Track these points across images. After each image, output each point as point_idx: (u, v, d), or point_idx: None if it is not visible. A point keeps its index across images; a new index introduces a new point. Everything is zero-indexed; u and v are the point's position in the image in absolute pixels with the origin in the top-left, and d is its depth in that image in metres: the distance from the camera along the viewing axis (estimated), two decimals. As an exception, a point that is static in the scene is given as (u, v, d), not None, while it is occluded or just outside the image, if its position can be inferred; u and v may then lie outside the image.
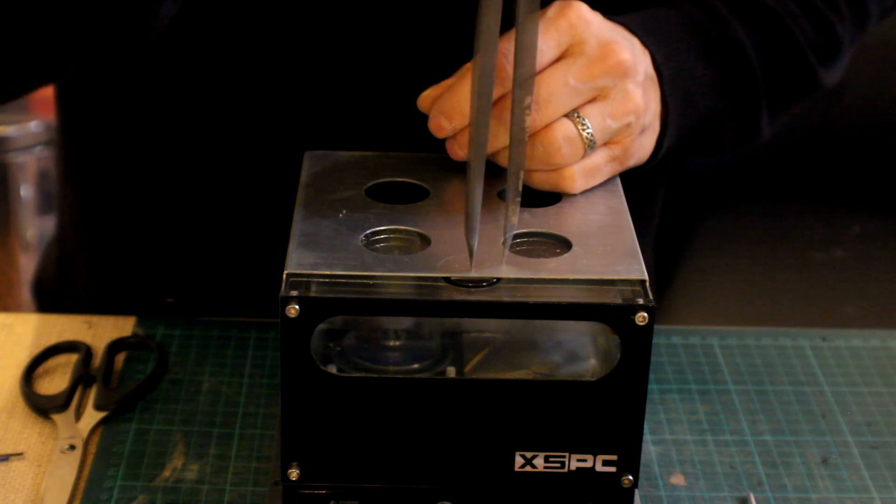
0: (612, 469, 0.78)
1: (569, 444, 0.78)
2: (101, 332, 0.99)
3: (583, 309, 0.75)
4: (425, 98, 0.86)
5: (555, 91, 0.83)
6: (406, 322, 0.82)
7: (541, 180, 0.85)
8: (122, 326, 1.00)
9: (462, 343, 0.83)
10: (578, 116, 0.84)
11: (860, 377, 0.98)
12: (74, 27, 0.84)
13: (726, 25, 0.95)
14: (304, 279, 0.75)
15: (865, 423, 0.94)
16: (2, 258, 2.15)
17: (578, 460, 0.78)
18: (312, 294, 0.74)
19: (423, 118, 0.86)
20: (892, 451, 0.91)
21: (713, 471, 0.89)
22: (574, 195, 0.85)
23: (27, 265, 2.14)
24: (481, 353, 0.82)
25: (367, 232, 0.80)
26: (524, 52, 0.75)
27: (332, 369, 0.80)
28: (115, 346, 0.97)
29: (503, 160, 0.84)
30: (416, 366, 0.81)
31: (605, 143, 0.86)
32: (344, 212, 0.82)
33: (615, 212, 0.84)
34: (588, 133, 0.84)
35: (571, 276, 0.76)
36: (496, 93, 0.81)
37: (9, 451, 0.89)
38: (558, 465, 0.78)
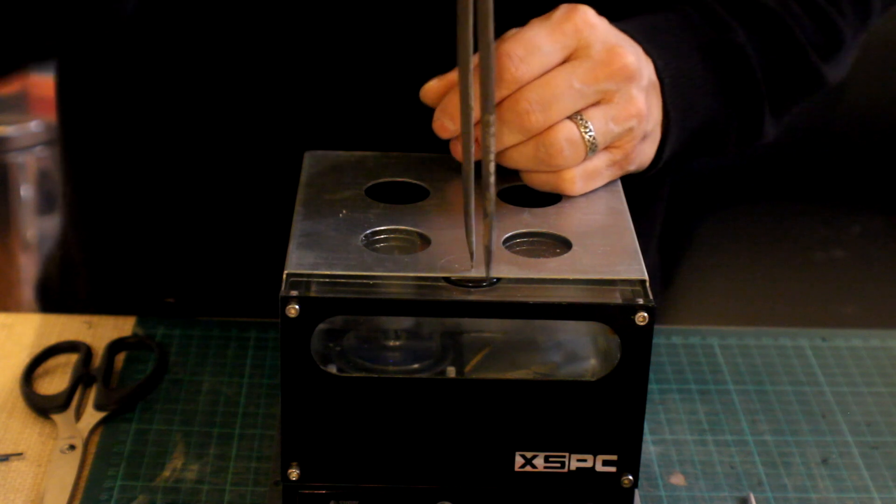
0: (612, 469, 0.78)
1: (569, 444, 0.78)
2: (101, 332, 0.99)
3: (583, 309, 0.75)
4: (428, 90, 0.86)
5: (559, 93, 0.83)
6: (406, 322, 0.82)
7: (541, 181, 0.85)
8: (122, 326, 1.00)
9: (462, 343, 0.83)
10: (581, 119, 0.84)
11: (860, 377, 0.98)
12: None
13: (726, 29, 0.95)
14: (304, 279, 0.75)
15: (865, 423, 0.94)
16: (2, 258, 2.15)
17: (578, 460, 0.78)
18: (312, 294, 0.74)
19: (423, 118, 0.86)
20: (892, 451, 0.91)
21: (713, 471, 0.89)
22: (574, 196, 0.85)
23: (27, 265, 2.14)
24: (481, 353, 0.82)
25: (367, 232, 0.80)
26: (487, 75, 0.75)
27: (332, 369, 0.79)
28: (115, 346, 0.97)
29: (507, 161, 0.84)
30: (416, 366, 0.81)
31: (607, 147, 0.86)
32: (344, 212, 0.82)
33: (615, 212, 0.84)
34: (590, 136, 0.84)
35: (571, 276, 0.76)
36: (500, 94, 0.81)
37: (9, 451, 0.89)
38: (558, 465, 0.78)
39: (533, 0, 0.89)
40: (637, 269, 0.77)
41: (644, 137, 0.88)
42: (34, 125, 2.05)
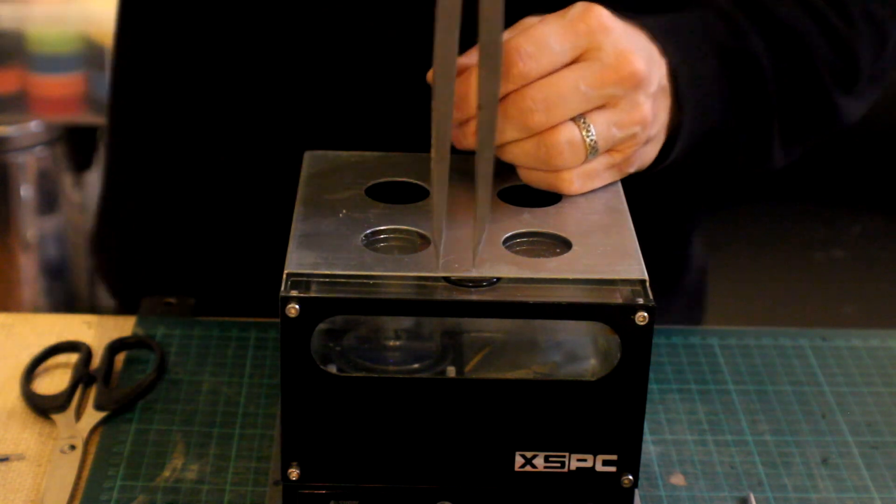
0: (612, 469, 0.78)
1: (569, 444, 0.78)
2: (101, 332, 0.99)
3: (583, 309, 0.75)
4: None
5: (564, 94, 0.83)
6: (406, 322, 0.82)
7: (538, 178, 0.85)
8: (122, 326, 1.00)
9: (462, 343, 0.83)
10: (584, 122, 0.84)
11: (860, 377, 0.98)
12: None
13: (744, 38, 0.95)
14: (304, 279, 0.75)
15: (865, 423, 0.94)
16: (2, 258, 2.15)
17: (578, 460, 0.78)
18: (312, 294, 0.74)
19: (423, 118, 0.85)
20: (892, 451, 0.91)
21: (713, 471, 0.89)
22: (574, 196, 0.85)
23: (27, 265, 2.14)
24: (481, 353, 0.82)
25: (367, 232, 0.80)
26: (487, 77, 0.75)
27: (332, 369, 0.80)
28: (115, 346, 0.97)
29: (506, 155, 0.84)
30: (416, 366, 0.81)
31: (608, 150, 0.86)
32: (344, 212, 0.82)
33: (615, 212, 0.84)
34: (591, 139, 0.84)
35: (571, 276, 0.76)
36: (505, 88, 0.81)
37: (9, 451, 0.89)
38: (558, 465, 0.78)
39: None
40: (637, 269, 0.77)
41: (647, 141, 0.88)
42: (34, 125, 2.05)
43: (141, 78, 1.03)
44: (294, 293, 0.74)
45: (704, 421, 0.93)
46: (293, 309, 0.74)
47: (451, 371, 0.80)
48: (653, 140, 0.89)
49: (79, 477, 0.86)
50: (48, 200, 2.09)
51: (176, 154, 1.04)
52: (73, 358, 0.96)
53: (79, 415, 0.91)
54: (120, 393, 0.93)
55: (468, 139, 0.84)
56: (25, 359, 0.96)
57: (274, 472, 0.85)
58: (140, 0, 1.03)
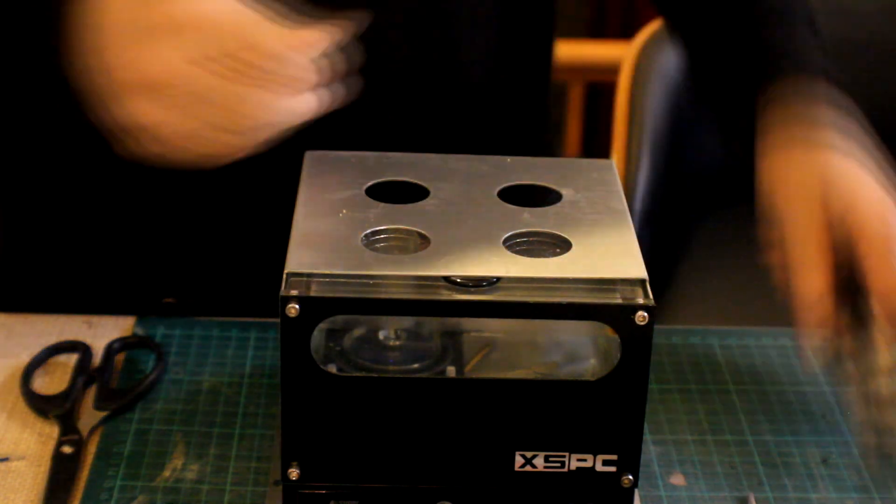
0: (612, 469, 0.78)
1: (569, 444, 0.78)
2: (101, 332, 0.99)
3: (583, 309, 0.75)
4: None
5: None
6: (406, 322, 0.82)
7: None
8: (122, 326, 1.00)
9: (462, 343, 0.83)
10: None
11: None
12: None
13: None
14: (304, 279, 0.75)
15: (865, 423, 0.94)
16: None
17: (578, 460, 0.78)
18: (312, 293, 0.74)
19: (424, 118, 0.86)
20: (891, 451, 0.91)
21: (713, 471, 0.89)
22: (574, 195, 0.85)
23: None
24: (481, 353, 0.82)
25: (367, 232, 0.80)
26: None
27: (332, 369, 0.80)
28: (115, 346, 0.97)
29: None
30: (416, 366, 0.81)
31: None
32: (344, 212, 0.82)
33: (615, 212, 0.84)
34: None
35: (571, 276, 0.76)
36: None
37: (9, 451, 0.89)
38: (558, 464, 0.78)
39: None
40: (637, 269, 0.77)
41: None
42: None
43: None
44: (294, 293, 0.74)
45: (704, 421, 0.93)
46: (293, 309, 0.74)
47: (451, 371, 0.80)
48: None
49: (79, 477, 0.86)
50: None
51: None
52: (73, 358, 0.96)
53: (79, 415, 0.91)
54: (120, 393, 0.93)
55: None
56: (25, 359, 0.96)
57: (274, 472, 0.85)
58: None
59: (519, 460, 0.78)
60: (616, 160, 1.47)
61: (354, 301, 0.75)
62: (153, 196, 1.06)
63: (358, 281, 0.76)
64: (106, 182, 1.09)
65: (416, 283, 0.76)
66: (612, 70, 1.61)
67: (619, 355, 0.76)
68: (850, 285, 0.87)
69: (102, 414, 0.91)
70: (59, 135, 1.12)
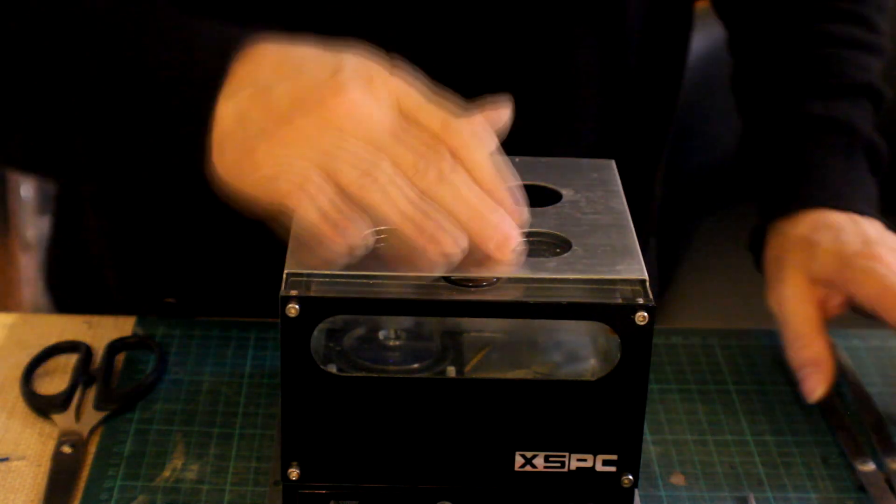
0: (612, 469, 0.78)
1: (569, 444, 0.78)
2: (101, 332, 0.99)
3: (583, 309, 0.75)
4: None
5: None
6: (406, 322, 0.82)
7: None
8: (122, 326, 1.00)
9: (462, 343, 0.83)
10: None
11: (860, 377, 0.98)
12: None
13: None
14: (304, 279, 0.75)
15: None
16: (2, 258, 2.15)
17: (578, 460, 0.78)
18: (312, 293, 0.74)
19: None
20: (892, 451, 0.91)
21: (713, 471, 0.89)
22: (574, 195, 0.85)
23: (27, 265, 2.14)
24: (481, 353, 0.82)
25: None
26: None
27: (332, 369, 0.79)
28: (115, 346, 0.97)
29: None
30: (416, 366, 0.81)
31: None
32: (344, 212, 0.82)
33: (615, 212, 0.84)
34: None
35: (571, 276, 0.76)
36: None
37: (9, 451, 0.89)
38: (558, 465, 0.78)
39: None
40: (637, 269, 0.77)
41: None
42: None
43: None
44: (294, 293, 0.74)
45: (704, 421, 0.93)
46: (293, 309, 0.74)
47: (451, 371, 0.80)
48: None
49: (79, 477, 0.86)
50: (48, 200, 2.09)
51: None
52: (73, 358, 0.96)
53: (79, 415, 0.91)
54: (120, 393, 0.93)
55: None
56: (25, 359, 0.96)
57: (274, 472, 0.85)
58: None
59: (519, 460, 0.78)
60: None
61: (354, 301, 0.75)
62: (153, 196, 1.06)
63: (358, 281, 0.75)
64: (106, 182, 1.09)
65: (416, 282, 0.76)
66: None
67: (619, 355, 0.76)
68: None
69: (102, 414, 0.91)
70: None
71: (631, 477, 0.79)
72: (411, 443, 0.78)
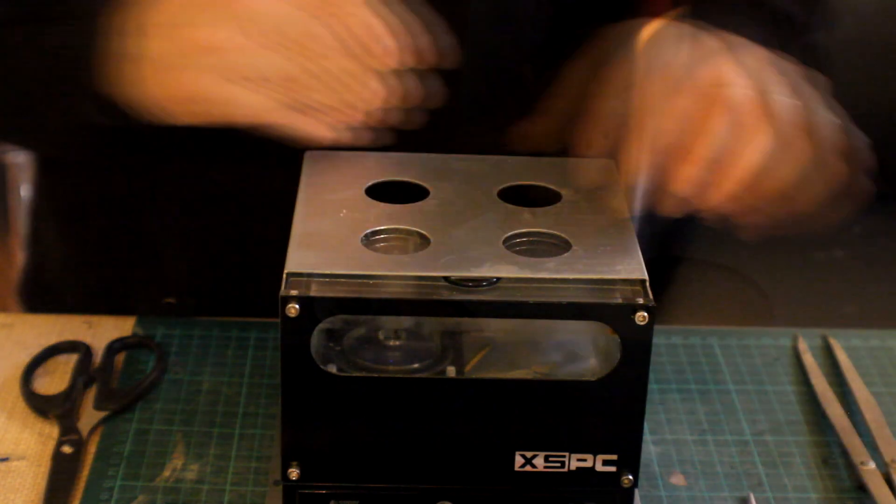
0: (612, 469, 0.78)
1: (569, 444, 0.78)
2: (101, 332, 0.99)
3: (583, 309, 0.75)
4: None
5: None
6: (406, 322, 0.82)
7: None
8: (122, 326, 1.00)
9: (462, 343, 0.83)
10: None
11: (860, 377, 0.98)
12: None
13: None
14: (304, 279, 0.75)
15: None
16: (2, 258, 2.15)
17: (578, 460, 0.78)
18: (312, 293, 0.74)
19: (424, 118, 0.85)
20: (892, 451, 0.91)
21: (713, 471, 0.89)
22: (574, 195, 0.85)
23: (27, 265, 2.13)
24: (481, 353, 0.82)
25: (367, 232, 0.80)
26: None
27: (332, 369, 0.80)
28: (115, 346, 0.97)
29: None
30: (416, 365, 0.81)
31: None
32: (344, 212, 0.82)
33: (615, 212, 0.84)
34: None
35: (571, 276, 0.76)
36: None
37: (9, 451, 0.89)
38: (558, 464, 0.78)
39: None
40: (637, 269, 0.77)
41: None
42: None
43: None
44: (294, 293, 0.74)
45: (704, 421, 0.93)
46: (293, 309, 0.74)
47: (451, 371, 0.80)
48: None
49: (79, 477, 0.86)
50: (48, 200, 2.09)
51: (176, 153, 1.04)
52: (73, 358, 0.96)
53: (79, 415, 0.91)
54: (120, 393, 0.93)
55: None
56: (25, 359, 0.96)
57: (274, 472, 0.85)
58: None
59: (519, 460, 0.78)
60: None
61: (354, 301, 0.75)
62: (153, 196, 1.06)
63: (358, 281, 0.76)
64: (106, 181, 1.09)
65: (416, 283, 0.76)
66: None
67: (619, 355, 0.76)
68: None
69: (102, 414, 0.91)
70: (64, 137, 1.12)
71: (631, 477, 0.79)
72: (411, 443, 0.78)
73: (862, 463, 0.88)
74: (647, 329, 0.75)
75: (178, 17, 0.82)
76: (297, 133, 0.84)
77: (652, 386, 0.96)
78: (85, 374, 0.94)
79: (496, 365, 0.82)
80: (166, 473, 0.87)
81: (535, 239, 0.81)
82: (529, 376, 0.81)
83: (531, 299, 0.75)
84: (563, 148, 0.88)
